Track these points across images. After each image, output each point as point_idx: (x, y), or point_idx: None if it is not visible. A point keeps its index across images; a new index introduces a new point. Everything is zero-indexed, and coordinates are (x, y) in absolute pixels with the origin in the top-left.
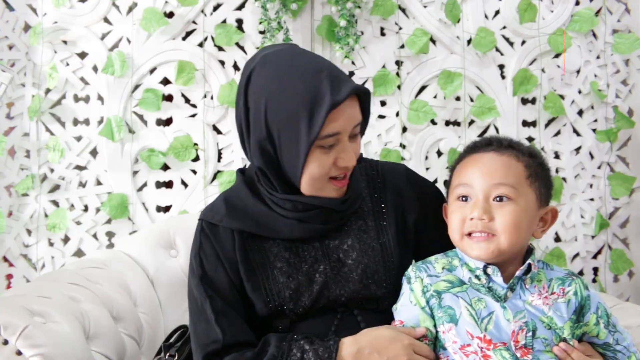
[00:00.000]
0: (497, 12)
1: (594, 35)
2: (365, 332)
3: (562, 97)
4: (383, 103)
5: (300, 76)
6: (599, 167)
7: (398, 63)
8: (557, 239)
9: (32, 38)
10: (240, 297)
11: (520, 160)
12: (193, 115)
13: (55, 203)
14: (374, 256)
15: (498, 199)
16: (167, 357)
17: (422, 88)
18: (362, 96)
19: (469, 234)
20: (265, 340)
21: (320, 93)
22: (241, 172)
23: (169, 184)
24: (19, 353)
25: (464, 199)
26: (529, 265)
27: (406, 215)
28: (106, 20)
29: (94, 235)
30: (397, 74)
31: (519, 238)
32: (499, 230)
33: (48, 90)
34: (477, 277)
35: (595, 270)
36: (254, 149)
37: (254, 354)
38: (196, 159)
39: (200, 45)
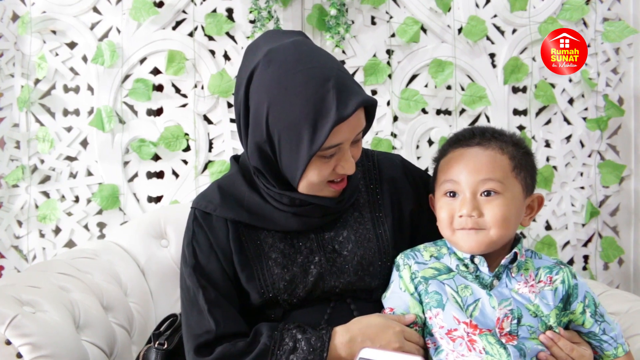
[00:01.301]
0: (487, 1)
1: (585, 23)
2: (357, 320)
3: (552, 85)
4: (374, 92)
5: (306, 83)
6: (589, 156)
7: (389, 52)
8: (548, 227)
9: (20, 28)
10: (233, 287)
11: (505, 152)
12: (184, 105)
13: (46, 194)
14: (370, 248)
15: (485, 193)
16: (156, 345)
17: (413, 77)
18: (369, 105)
19: (460, 229)
20: (257, 329)
21: (326, 105)
22: (235, 159)
23: (160, 174)
24: (8, 342)
25: (451, 194)
26: (515, 254)
27: (402, 207)
28: (95, 9)
29: (85, 226)
30: (388, 63)
31: (509, 230)
32: (489, 225)
33: (37, 81)
34: (464, 265)
35: (586, 258)
36: (251, 149)
37: (245, 344)
38: (187, 149)
39: (191, 34)
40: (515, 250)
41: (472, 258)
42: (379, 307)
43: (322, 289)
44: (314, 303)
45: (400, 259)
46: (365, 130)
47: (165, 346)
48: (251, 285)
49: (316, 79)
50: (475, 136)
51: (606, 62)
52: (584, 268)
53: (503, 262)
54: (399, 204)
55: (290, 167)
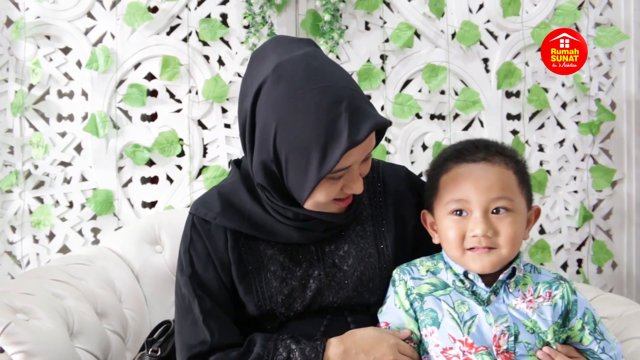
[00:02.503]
0: (481, 6)
1: (577, 28)
2: (351, 332)
3: (545, 90)
4: (368, 97)
5: (317, 104)
6: (582, 160)
7: (383, 57)
8: (542, 231)
9: (14, 33)
10: (229, 297)
11: (510, 167)
12: (178, 111)
13: (40, 199)
14: (371, 263)
15: (496, 211)
16: (149, 352)
17: (407, 82)
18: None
19: (471, 249)
20: (250, 339)
21: (338, 130)
22: (236, 164)
23: (154, 180)
24: (1, 350)
25: (458, 212)
26: (514, 269)
27: (406, 221)
28: (90, 15)
29: (79, 232)
30: (382, 68)
31: (518, 247)
32: (502, 244)
33: (31, 86)
34: (461, 280)
35: (580, 261)
36: (256, 167)
37: (239, 354)
38: (181, 154)
39: (185, 40)
40: (513, 265)
41: (465, 274)
42: (376, 321)
43: (319, 304)
44: (311, 315)
45: (396, 273)
46: (374, 146)
47: (159, 353)
48: (249, 297)
49: (328, 100)
50: (479, 151)
51: (598, 67)
52: (578, 272)
53: (501, 277)
54: (403, 219)
55: (297, 188)
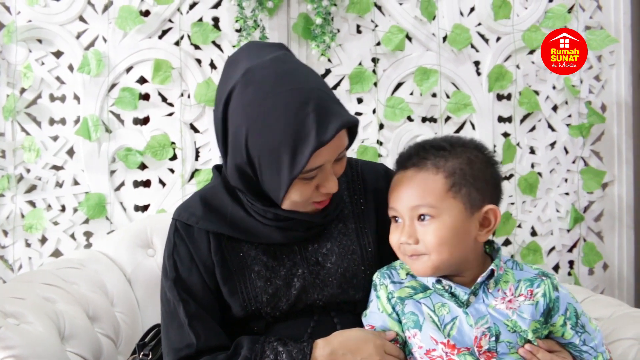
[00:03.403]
0: (472, 9)
1: None
2: (338, 333)
3: (536, 92)
4: (360, 100)
5: (285, 106)
6: (573, 162)
7: (374, 60)
8: (534, 233)
9: (5, 37)
10: (215, 300)
11: (441, 171)
12: (170, 114)
13: (32, 203)
14: (354, 260)
15: (422, 217)
16: (140, 356)
17: (399, 85)
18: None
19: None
20: (237, 342)
21: (305, 130)
22: (218, 169)
23: (146, 183)
24: None
25: (396, 219)
26: (492, 271)
27: (386, 218)
28: (81, 18)
29: (72, 236)
30: (374, 71)
31: (451, 253)
32: (429, 250)
33: (23, 90)
34: (439, 282)
35: (571, 263)
36: (231, 170)
37: (226, 357)
38: (174, 157)
39: (177, 43)
40: (492, 267)
41: (439, 280)
42: (362, 321)
43: (305, 302)
44: (297, 316)
45: (377, 277)
46: (347, 146)
47: (150, 357)
48: (234, 298)
49: (295, 102)
50: (412, 156)
51: (589, 70)
52: (569, 274)
53: (479, 280)
54: (383, 215)
55: (272, 189)
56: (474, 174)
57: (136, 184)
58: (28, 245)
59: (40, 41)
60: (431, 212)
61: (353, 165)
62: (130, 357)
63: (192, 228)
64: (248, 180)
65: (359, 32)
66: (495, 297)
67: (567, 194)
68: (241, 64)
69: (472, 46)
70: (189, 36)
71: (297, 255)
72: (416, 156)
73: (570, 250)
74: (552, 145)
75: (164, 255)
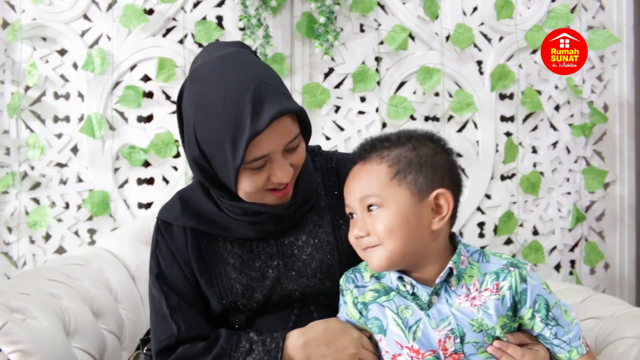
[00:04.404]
0: (475, 9)
1: None
2: (314, 324)
3: (539, 92)
4: (363, 99)
5: (224, 99)
6: (575, 162)
7: (377, 59)
8: (535, 232)
9: (10, 35)
10: (196, 293)
11: (384, 160)
12: (174, 112)
13: (36, 200)
14: (329, 251)
15: (371, 208)
16: (144, 351)
17: (402, 84)
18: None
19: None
20: (217, 333)
21: (241, 121)
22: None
23: (150, 181)
24: None
25: (351, 215)
26: (450, 269)
27: None
28: (86, 17)
29: (76, 233)
30: (377, 70)
31: (403, 241)
32: (381, 239)
33: (28, 88)
34: (403, 284)
35: (573, 262)
36: (190, 164)
37: (204, 345)
38: (177, 155)
39: (181, 42)
40: (450, 265)
41: (400, 278)
42: None
43: (280, 293)
44: (277, 310)
45: (342, 282)
46: (307, 138)
47: None
48: (210, 291)
49: (233, 94)
50: (360, 151)
51: (591, 70)
52: (571, 273)
53: (437, 280)
54: None
55: (225, 179)
56: (420, 161)
57: (140, 181)
58: (32, 242)
59: (44, 39)
60: (377, 201)
61: (329, 158)
62: (134, 352)
63: (171, 225)
64: (207, 173)
65: (362, 31)
66: (459, 294)
67: (569, 193)
68: (196, 62)
69: (475, 45)
70: (192, 35)
71: (273, 248)
72: (363, 151)
73: (571, 250)
74: (554, 144)
75: (150, 253)
